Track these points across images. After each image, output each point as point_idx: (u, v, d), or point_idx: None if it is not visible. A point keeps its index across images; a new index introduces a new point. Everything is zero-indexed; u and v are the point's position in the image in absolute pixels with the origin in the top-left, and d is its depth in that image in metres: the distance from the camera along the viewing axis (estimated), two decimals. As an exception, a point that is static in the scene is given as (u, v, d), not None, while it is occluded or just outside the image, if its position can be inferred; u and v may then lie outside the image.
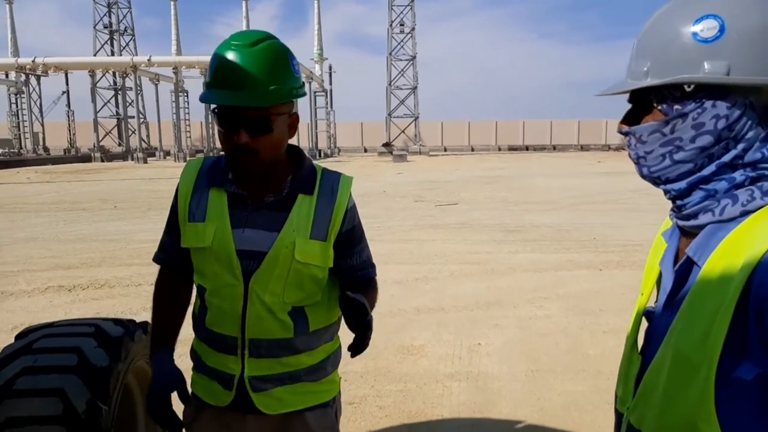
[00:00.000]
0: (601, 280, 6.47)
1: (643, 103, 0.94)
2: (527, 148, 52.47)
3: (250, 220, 1.47)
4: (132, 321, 2.13)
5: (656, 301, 1.03)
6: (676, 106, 0.89)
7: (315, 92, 43.61)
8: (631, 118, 0.96)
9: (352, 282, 1.59)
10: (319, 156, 41.21)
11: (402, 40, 49.23)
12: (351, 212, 1.55)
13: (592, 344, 4.54)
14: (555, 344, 4.56)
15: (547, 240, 8.88)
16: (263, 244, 1.45)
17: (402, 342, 4.67)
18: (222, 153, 1.56)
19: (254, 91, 1.35)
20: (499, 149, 52.49)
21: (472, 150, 52.28)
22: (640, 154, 0.94)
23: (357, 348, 1.39)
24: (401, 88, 49.47)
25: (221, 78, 1.37)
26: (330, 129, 46.61)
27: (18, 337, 1.97)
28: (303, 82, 1.50)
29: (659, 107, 0.91)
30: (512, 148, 52.42)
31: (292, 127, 1.48)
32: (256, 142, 1.38)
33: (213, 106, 1.41)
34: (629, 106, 0.97)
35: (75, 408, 1.68)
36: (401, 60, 49.53)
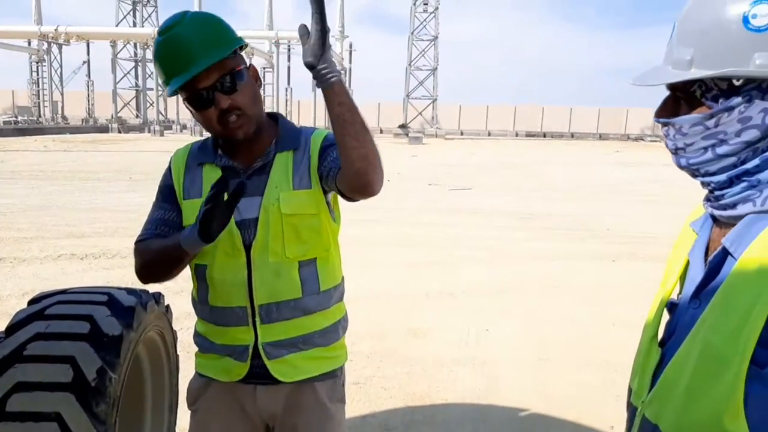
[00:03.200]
0: (613, 272, 6.42)
1: (683, 92, 0.88)
2: (545, 135, 51.92)
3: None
4: (145, 291, 2.14)
5: (680, 293, 1.00)
6: (722, 99, 0.83)
7: (333, 71, 43.32)
8: (669, 107, 0.91)
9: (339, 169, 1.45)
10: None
11: (425, 20, 48.64)
12: (327, 138, 1.54)
13: (602, 336, 4.52)
14: (564, 334, 4.54)
15: (560, 229, 8.82)
16: (254, 209, 1.48)
17: (410, 325, 4.68)
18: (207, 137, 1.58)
19: (204, 55, 1.39)
20: (517, 135, 51.99)
21: (490, 135, 51.84)
22: (679, 146, 0.89)
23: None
24: (421, 69, 49.00)
25: (170, 66, 1.41)
26: (347, 108, 46.37)
27: (31, 302, 1.99)
28: (240, 37, 1.52)
29: (703, 99, 0.85)
30: (530, 135, 51.88)
31: (256, 77, 1.53)
32: (235, 100, 1.42)
33: (181, 95, 1.45)
34: (655, 92, 0.92)
35: (85, 376, 1.70)
36: (423, 40, 48.99)
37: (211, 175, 1.51)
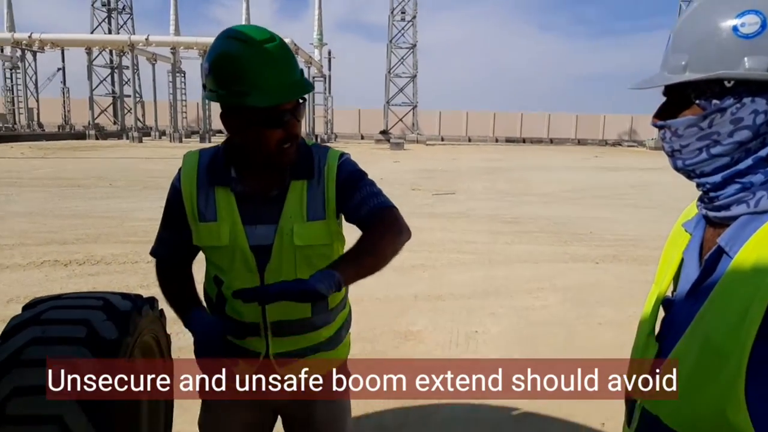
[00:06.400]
0: (597, 273, 6.51)
1: (679, 96, 0.93)
2: (524, 141, 52.44)
3: (258, 216, 1.51)
4: (139, 296, 2.13)
5: (674, 291, 1.03)
6: (715, 101, 0.88)
7: (314, 77, 43.39)
8: (665, 112, 0.96)
9: (363, 223, 1.54)
10: (316, 141, 41.00)
11: (403, 28, 48.94)
12: (341, 169, 1.56)
13: (588, 336, 4.58)
14: (551, 334, 4.59)
15: (544, 232, 8.92)
16: (269, 237, 1.51)
17: (399, 328, 4.70)
18: (217, 145, 1.57)
19: (299, 81, 1.41)
20: (497, 141, 52.44)
21: (469, 141, 52.20)
22: (675, 147, 0.94)
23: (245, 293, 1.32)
24: (400, 76, 49.26)
25: (260, 79, 1.35)
26: (327, 115, 46.44)
27: (25, 308, 1.97)
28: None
29: (697, 102, 0.90)
30: (509, 140, 52.38)
31: None
32: (299, 128, 1.46)
33: (225, 108, 1.43)
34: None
35: (84, 379, 1.68)
36: (401, 48, 49.27)
37: (225, 199, 1.51)
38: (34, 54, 42.20)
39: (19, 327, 1.82)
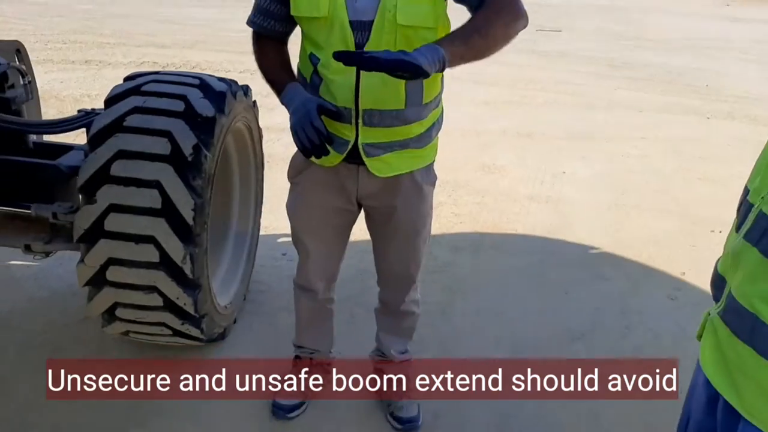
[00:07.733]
0: (706, 129, 5.99)
1: None
2: (647, -18, 46.60)
3: None
4: (234, 81, 2.13)
5: None
6: None
7: None
8: None
9: (476, 4, 1.43)
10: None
11: None
12: None
13: (684, 188, 4.32)
14: (644, 182, 4.37)
15: (654, 80, 8.17)
16: (370, 12, 1.39)
17: (483, 160, 4.60)
18: None
19: None
20: (615, -21, 46.89)
21: (584, -23, 47.01)
22: None
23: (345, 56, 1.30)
24: None
25: None
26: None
27: (126, 79, 2.02)
28: None
29: None
30: (630, -20, 46.69)
31: None
32: None
33: None
34: None
35: (182, 150, 1.75)
36: None
37: None
38: None
39: (121, 96, 1.88)
